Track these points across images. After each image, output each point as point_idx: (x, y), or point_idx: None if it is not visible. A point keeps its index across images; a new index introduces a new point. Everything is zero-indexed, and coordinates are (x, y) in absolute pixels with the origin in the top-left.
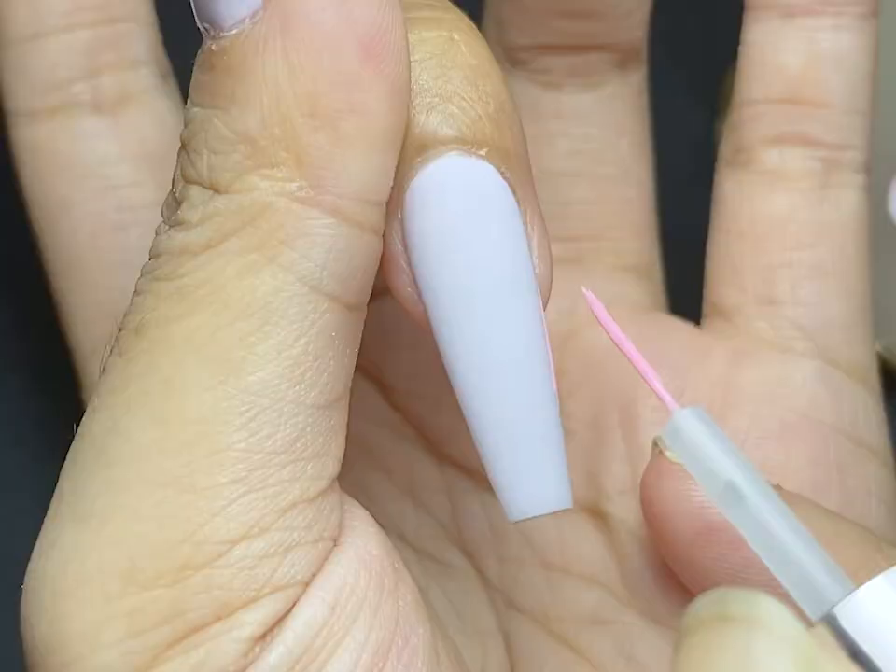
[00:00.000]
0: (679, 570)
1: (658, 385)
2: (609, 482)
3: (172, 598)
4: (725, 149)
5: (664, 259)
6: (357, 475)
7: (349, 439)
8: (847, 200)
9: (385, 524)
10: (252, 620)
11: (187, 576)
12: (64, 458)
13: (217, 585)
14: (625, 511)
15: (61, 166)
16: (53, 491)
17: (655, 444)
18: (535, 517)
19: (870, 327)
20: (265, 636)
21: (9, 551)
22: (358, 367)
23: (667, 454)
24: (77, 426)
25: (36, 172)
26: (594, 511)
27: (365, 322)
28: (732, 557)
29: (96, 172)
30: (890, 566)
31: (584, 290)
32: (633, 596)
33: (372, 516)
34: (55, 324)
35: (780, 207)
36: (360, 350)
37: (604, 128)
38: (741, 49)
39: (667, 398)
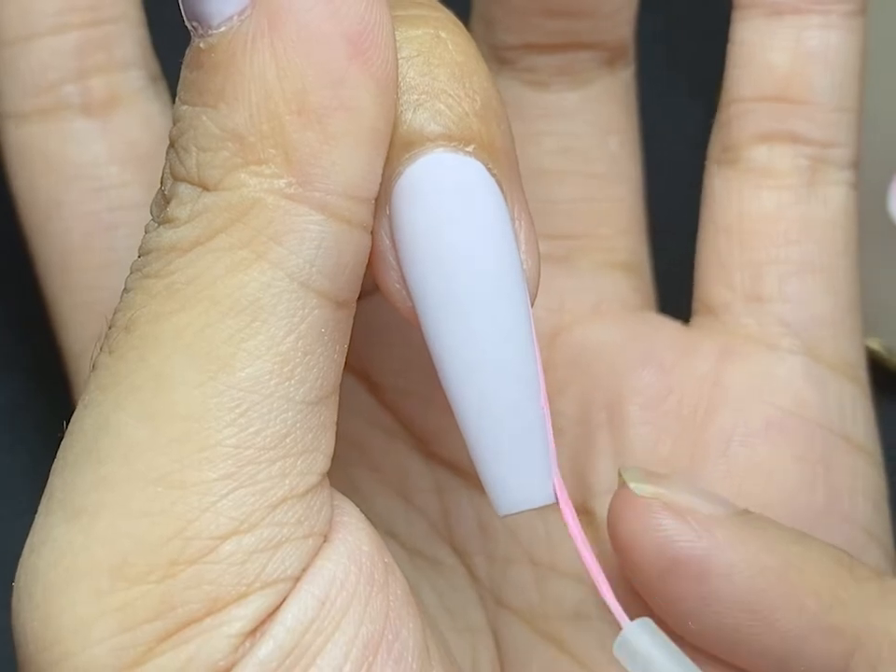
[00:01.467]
0: (647, 599)
1: (610, 597)
2: (595, 480)
3: (162, 594)
4: (713, 147)
5: (663, 257)
6: (347, 472)
7: (340, 436)
8: (834, 196)
9: (375, 521)
10: (242, 615)
11: (177, 571)
12: None
13: (207, 581)
14: None
15: (51, 167)
16: None
17: (620, 475)
18: (524, 512)
19: (858, 323)
20: (255, 631)
21: (9, 551)
22: (348, 365)
23: (632, 486)
24: (68, 423)
25: (27, 173)
26: (581, 508)
27: (355, 320)
28: (698, 590)
29: (86, 173)
30: (862, 590)
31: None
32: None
33: (363, 513)
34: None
35: (768, 204)
36: (349, 348)
37: (592, 126)
38: (729, 47)
39: (618, 609)
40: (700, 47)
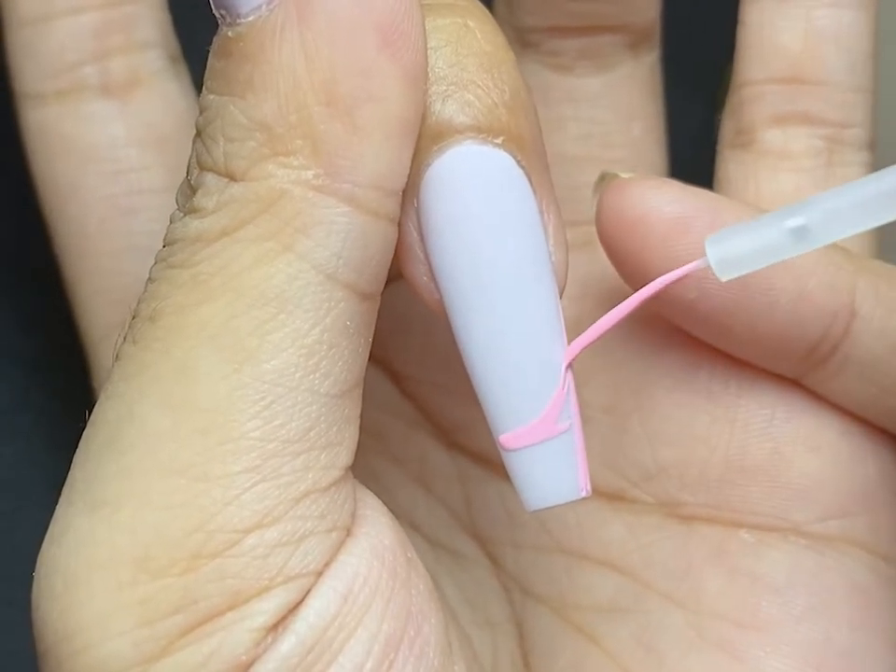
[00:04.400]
0: (653, 274)
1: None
2: (631, 468)
3: (184, 587)
4: (726, 132)
5: None
6: (369, 464)
7: (361, 427)
8: (852, 178)
9: (397, 513)
10: (264, 609)
11: (199, 565)
12: (68, 453)
13: (229, 574)
14: (651, 495)
15: (69, 150)
16: (57, 486)
17: (602, 178)
18: (553, 507)
19: None
20: (277, 625)
21: (13, 547)
22: (370, 355)
23: (623, 175)
24: (90, 413)
25: (46, 155)
26: (613, 496)
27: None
28: None
29: (105, 155)
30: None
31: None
32: (655, 582)
33: (384, 505)
34: (58, 318)
35: (785, 188)
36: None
37: (615, 111)
38: (739, 29)
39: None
40: (701, 40)
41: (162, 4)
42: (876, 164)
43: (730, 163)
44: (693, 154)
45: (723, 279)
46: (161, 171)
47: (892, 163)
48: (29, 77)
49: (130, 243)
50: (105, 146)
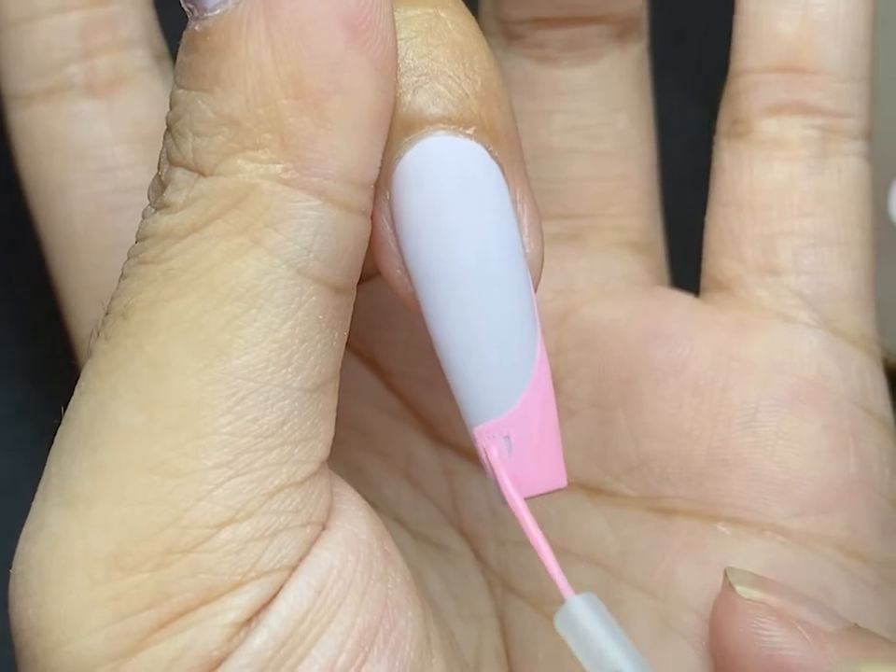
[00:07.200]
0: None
1: (555, 569)
2: (613, 461)
3: (157, 583)
4: (722, 121)
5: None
6: (354, 458)
7: (346, 421)
8: (847, 167)
9: (382, 506)
10: (237, 604)
11: (172, 560)
12: None
13: (202, 569)
14: (632, 488)
15: (56, 148)
16: None
17: (726, 576)
18: (528, 498)
19: (873, 297)
20: (250, 620)
21: (12, 554)
22: (355, 349)
23: (738, 589)
24: (66, 409)
25: (32, 155)
26: (595, 490)
27: (360, 304)
28: None
29: (91, 154)
30: None
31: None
32: (631, 574)
33: (369, 499)
34: (57, 328)
35: (780, 176)
36: (356, 332)
37: (601, 102)
38: (736, 18)
39: (563, 582)
40: (700, 47)
41: (147, 2)
42: (874, 154)
43: (725, 153)
44: (691, 162)
45: (556, 623)
46: (147, 168)
47: (890, 154)
48: (15, 76)
49: (117, 240)
50: (92, 144)
